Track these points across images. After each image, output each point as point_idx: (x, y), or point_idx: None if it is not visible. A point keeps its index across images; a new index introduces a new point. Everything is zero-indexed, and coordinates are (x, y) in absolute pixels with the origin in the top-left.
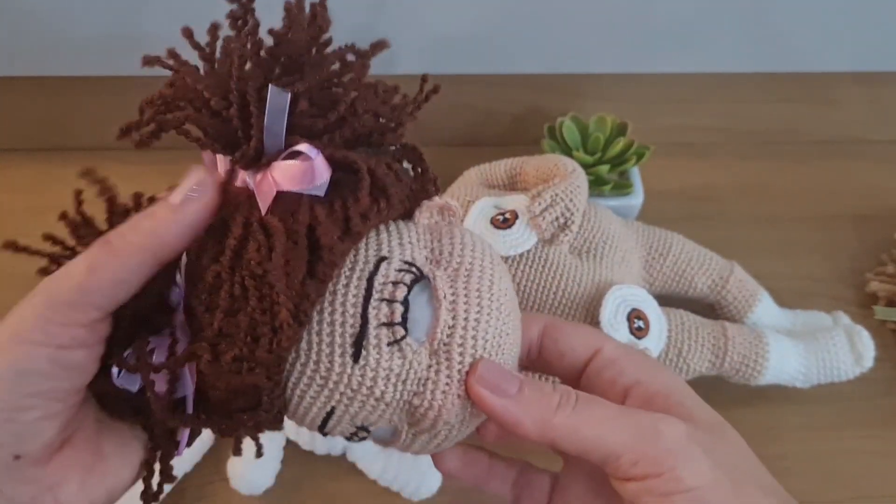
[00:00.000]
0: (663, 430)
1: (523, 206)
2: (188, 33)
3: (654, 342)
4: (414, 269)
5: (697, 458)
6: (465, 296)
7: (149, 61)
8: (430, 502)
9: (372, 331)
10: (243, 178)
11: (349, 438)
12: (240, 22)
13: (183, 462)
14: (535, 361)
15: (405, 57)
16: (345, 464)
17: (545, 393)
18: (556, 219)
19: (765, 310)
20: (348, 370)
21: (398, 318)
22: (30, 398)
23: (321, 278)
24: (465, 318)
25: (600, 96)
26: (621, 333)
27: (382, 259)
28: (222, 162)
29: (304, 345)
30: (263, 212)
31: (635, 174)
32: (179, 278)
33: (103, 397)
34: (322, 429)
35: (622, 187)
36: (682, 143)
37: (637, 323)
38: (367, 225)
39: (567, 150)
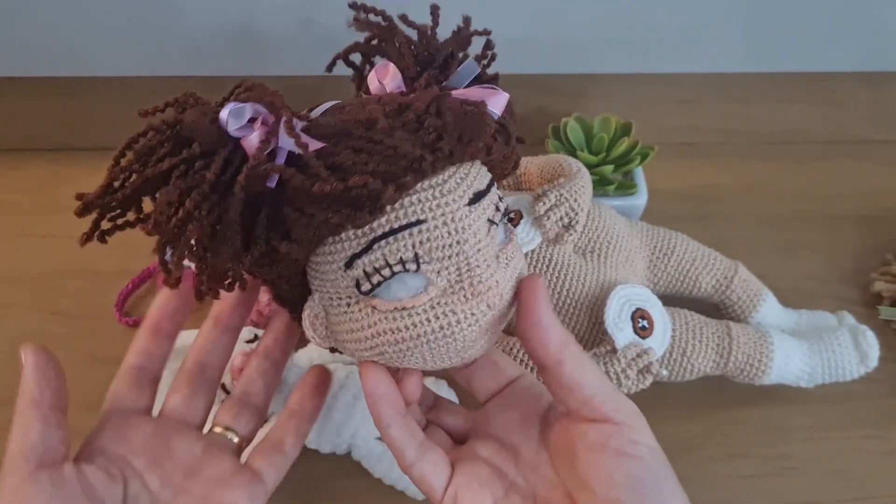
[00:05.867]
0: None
1: (528, 205)
2: (404, 17)
3: (658, 342)
4: None
5: (648, 429)
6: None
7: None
8: None
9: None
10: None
11: (378, 269)
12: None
13: None
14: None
15: None
16: (349, 462)
17: (565, 328)
18: (561, 219)
19: (769, 309)
20: (462, 207)
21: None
22: None
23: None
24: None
25: (604, 97)
26: (625, 333)
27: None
28: (396, 76)
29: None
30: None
31: (639, 174)
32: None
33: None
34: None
35: (626, 187)
36: (686, 144)
37: (641, 322)
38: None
39: (571, 151)
